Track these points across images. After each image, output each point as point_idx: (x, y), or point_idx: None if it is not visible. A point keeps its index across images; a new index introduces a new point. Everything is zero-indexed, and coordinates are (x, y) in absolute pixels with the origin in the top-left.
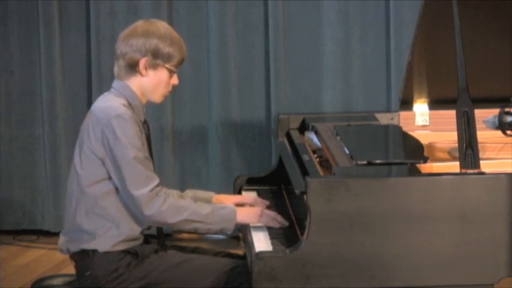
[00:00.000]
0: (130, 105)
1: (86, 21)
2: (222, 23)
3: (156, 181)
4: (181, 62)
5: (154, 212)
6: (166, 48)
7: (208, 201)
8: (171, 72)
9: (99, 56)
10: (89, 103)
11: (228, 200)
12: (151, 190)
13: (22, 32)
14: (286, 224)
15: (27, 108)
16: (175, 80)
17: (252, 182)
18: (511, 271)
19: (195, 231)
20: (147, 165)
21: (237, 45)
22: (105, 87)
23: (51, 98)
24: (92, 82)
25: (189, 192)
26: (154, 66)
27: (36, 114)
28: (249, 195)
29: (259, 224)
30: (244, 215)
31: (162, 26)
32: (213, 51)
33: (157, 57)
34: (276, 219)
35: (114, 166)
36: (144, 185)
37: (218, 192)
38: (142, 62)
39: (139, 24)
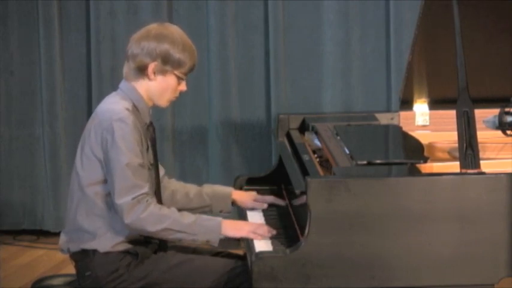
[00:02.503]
0: (135, 107)
1: (86, 21)
2: (222, 23)
3: (143, 190)
4: (191, 69)
5: (134, 219)
6: (177, 55)
7: (227, 196)
8: (179, 79)
9: (99, 56)
10: (89, 103)
11: (246, 197)
12: (134, 198)
13: (22, 32)
14: (273, 233)
15: (27, 108)
16: (183, 87)
17: (252, 182)
18: (511, 271)
19: (179, 242)
20: (139, 173)
21: (237, 45)
22: (105, 87)
23: (51, 98)
24: (92, 82)
25: (207, 187)
26: (163, 72)
27: (36, 114)
28: (264, 196)
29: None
30: (230, 229)
31: (175, 31)
32: (213, 51)
33: (167, 62)
34: (258, 232)
35: (107, 170)
36: (128, 194)
37: None
38: (152, 67)
39: (153, 27)
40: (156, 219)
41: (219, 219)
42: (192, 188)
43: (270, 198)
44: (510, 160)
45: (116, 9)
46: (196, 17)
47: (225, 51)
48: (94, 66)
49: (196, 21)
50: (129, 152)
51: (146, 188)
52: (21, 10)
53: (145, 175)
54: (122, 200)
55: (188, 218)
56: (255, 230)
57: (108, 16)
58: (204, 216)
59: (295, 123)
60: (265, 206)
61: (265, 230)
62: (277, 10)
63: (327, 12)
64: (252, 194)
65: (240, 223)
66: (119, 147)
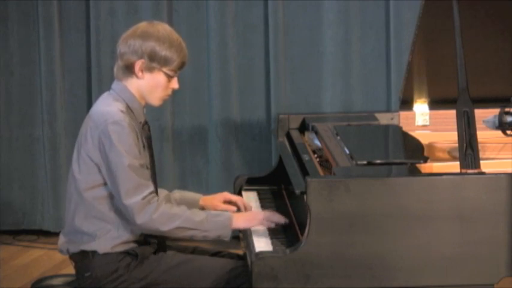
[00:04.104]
0: (129, 108)
1: (86, 21)
2: (222, 23)
3: (149, 189)
4: (181, 66)
5: (146, 220)
6: (163, 52)
7: (195, 202)
8: (168, 76)
9: (99, 56)
10: (89, 103)
11: (214, 199)
12: (144, 198)
13: (22, 32)
14: (286, 221)
15: (27, 108)
16: (174, 84)
17: (252, 182)
18: (511, 271)
19: (191, 239)
20: (141, 173)
21: (237, 45)
22: (105, 87)
23: (51, 98)
24: (91, 82)
25: (176, 193)
26: (150, 69)
27: (36, 114)
28: (231, 195)
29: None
30: (241, 221)
31: (162, 28)
32: (213, 51)
33: (153, 60)
34: (272, 219)
35: (108, 173)
36: (136, 194)
37: (218, 192)
38: (138, 64)
39: (141, 25)
40: (168, 218)
41: (229, 213)
42: (161, 193)
43: (236, 197)
44: (510, 160)
45: (116, 9)
46: (196, 17)
47: (225, 51)
48: (94, 66)
49: (196, 21)
50: (128, 154)
51: (152, 187)
52: (21, 10)
53: (147, 175)
54: (131, 200)
55: (199, 215)
56: (268, 218)
57: (108, 16)
58: (214, 212)
59: (295, 123)
60: (234, 208)
61: (278, 217)
62: (277, 10)
63: (327, 12)
64: (222, 196)
65: (250, 214)
66: (118, 150)
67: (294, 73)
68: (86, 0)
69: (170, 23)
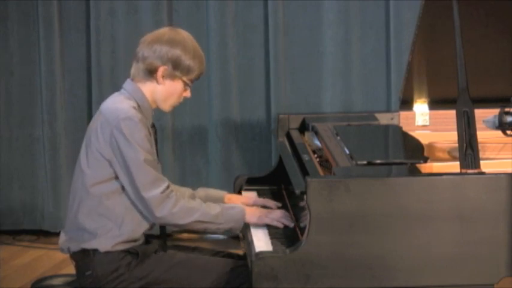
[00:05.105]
0: (139, 107)
1: (86, 21)
2: (222, 23)
3: (166, 183)
4: (198, 77)
5: (166, 213)
6: (187, 61)
7: (220, 200)
8: (186, 85)
9: (99, 56)
10: (89, 103)
11: (239, 200)
12: (163, 192)
13: (22, 32)
14: (292, 224)
15: (27, 108)
16: (188, 93)
17: (252, 182)
18: (511, 271)
19: (204, 231)
20: (156, 167)
21: (237, 45)
22: (105, 87)
23: (51, 98)
24: (91, 82)
25: (201, 191)
26: (172, 77)
27: (36, 114)
28: (259, 198)
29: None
30: (252, 215)
31: (188, 37)
32: (213, 51)
33: (177, 68)
34: (281, 220)
35: (123, 168)
36: (154, 187)
37: None
38: (161, 70)
39: (166, 31)
40: (187, 212)
41: (242, 207)
42: (186, 192)
43: (270, 203)
44: (510, 160)
45: (116, 9)
46: (196, 17)
47: (225, 51)
48: (94, 66)
49: (196, 21)
50: (142, 149)
51: (167, 181)
52: (21, 10)
53: (160, 169)
54: (150, 193)
55: (214, 208)
56: (279, 219)
57: (108, 16)
58: (227, 205)
59: (295, 123)
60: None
61: (285, 220)
62: (277, 10)
63: (327, 12)
64: (245, 197)
65: (262, 211)
66: (133, 145)
67: (294, 73)
68: (86, 0)
69: (170, 23)
